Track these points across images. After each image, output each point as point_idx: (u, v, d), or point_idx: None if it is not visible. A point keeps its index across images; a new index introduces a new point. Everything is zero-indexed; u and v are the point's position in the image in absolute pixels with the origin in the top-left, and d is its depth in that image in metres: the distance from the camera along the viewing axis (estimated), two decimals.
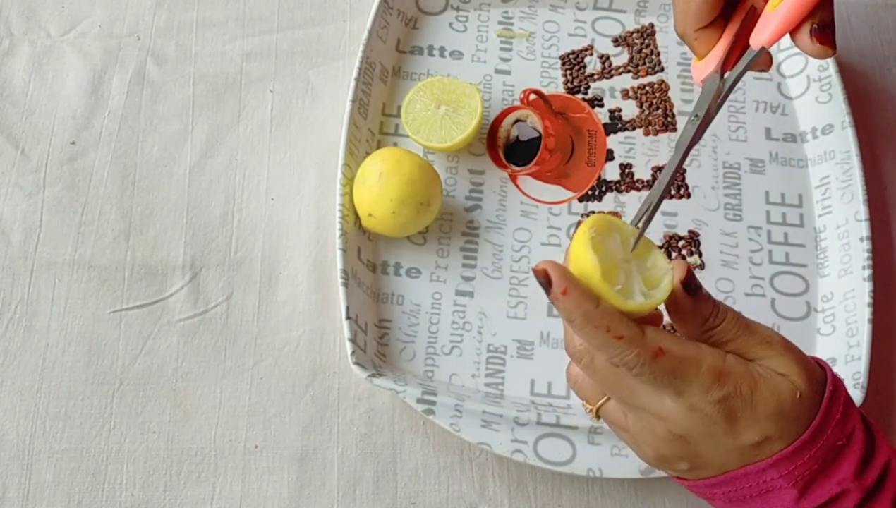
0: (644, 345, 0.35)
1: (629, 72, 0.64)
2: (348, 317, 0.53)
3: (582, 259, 0.36)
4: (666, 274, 0.37)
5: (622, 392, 0.37)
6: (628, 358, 0.35)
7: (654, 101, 0.63)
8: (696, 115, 0.43)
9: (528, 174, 0.61)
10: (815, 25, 0.39)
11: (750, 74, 0.64)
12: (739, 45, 0.44)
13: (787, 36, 0.42)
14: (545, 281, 0.35)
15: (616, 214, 0.60)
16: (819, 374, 0.37)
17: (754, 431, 0.36)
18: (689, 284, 0.36)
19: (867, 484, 0.36)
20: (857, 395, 0.53)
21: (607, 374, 0.37)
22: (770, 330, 0.38)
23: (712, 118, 0.44)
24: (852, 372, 0.54)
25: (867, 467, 0.36)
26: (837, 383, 0.38)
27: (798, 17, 0.40)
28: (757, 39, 0.42)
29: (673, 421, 0.36)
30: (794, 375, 0.36)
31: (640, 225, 0.39)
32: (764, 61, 0.44)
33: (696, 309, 0.37)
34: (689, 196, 0.61)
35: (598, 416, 0.40)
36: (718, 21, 0.45)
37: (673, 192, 0.61)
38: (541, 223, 0.60)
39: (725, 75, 0.44)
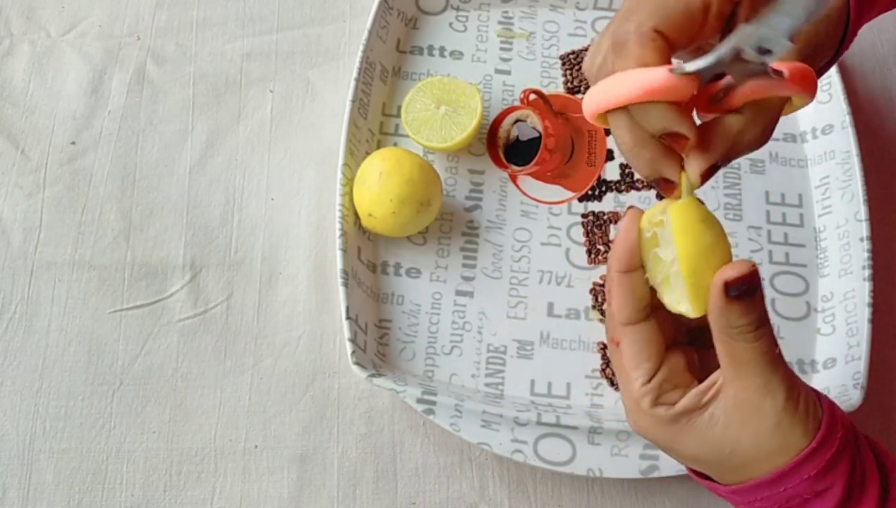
0: (614, 328, 0.39)
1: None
2: (348, 317, 0.53)
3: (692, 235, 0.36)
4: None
5: (620, 379, 0.40)
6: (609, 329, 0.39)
7: None
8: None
9: (528, 174, 0.61)
10: (718, 163, 0.37)
11: None
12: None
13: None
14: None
15: (616, 214, 0.60)
16: (798, 434, 0.36)
17: (690, 450, 0.38)
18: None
19: None
20: (856, 395, 0.53)
21: (615, 363, 0.39)
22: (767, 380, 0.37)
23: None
24: (852, 372, 0.54)
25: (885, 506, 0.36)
26: (830, 434, 0.36)
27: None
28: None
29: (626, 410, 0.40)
30: (760, 437, 0.37)
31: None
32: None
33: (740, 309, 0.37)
34: None
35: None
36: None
37: None
38: (541, 223, 0.60)
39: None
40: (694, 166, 0.37)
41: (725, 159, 0.37)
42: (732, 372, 0.36)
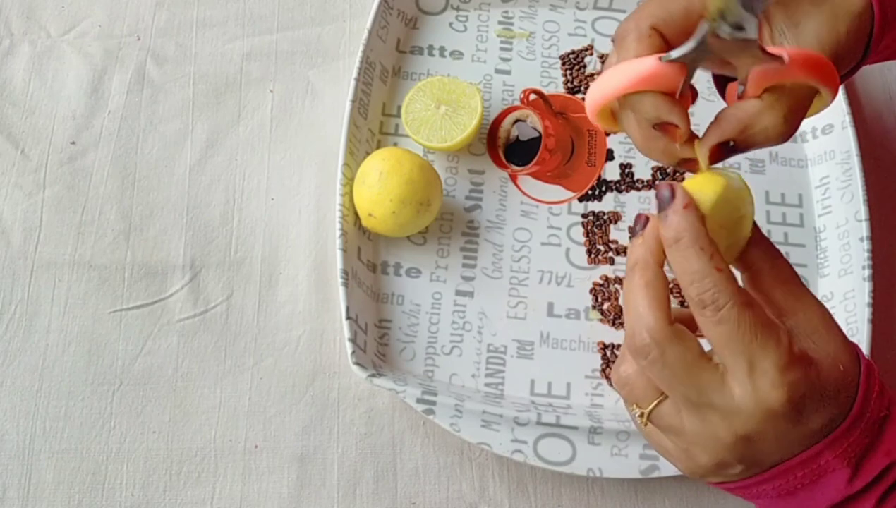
0: (739, 288, 0.33)
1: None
2: (348, 317, 0.53)
3: (702, 199, 0.35)
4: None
5: (690, 387, 0.35)
6: (723, 293, 0.33)
7: None
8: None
9: (528, 174, 0.61)
10: (732, 141, 0.37)
11: None
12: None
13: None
14: (669, 194, 0.35)
15: (616, 214, 0.60)
16: (853, 349, 0.37)
17: (820, 415, 0.34)
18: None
19: None
20: None
21: (676, 366, 0.34)
22: (817, 300, 0.37)
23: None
24: None
25: None
26: (867, 361, 0.37)
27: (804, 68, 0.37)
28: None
29: (740, 416, 0.34)
30: (840, 353, 0.35)
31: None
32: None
33: (757, 234, 0.36)
34: None
35: (647, 422, 0.38)
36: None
37: None
38: (541, 223, 0.60)
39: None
40: (702, 144, 0.37)
41: (742, 143, 0.37)
42: (793, 302, 0.36)
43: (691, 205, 0.34)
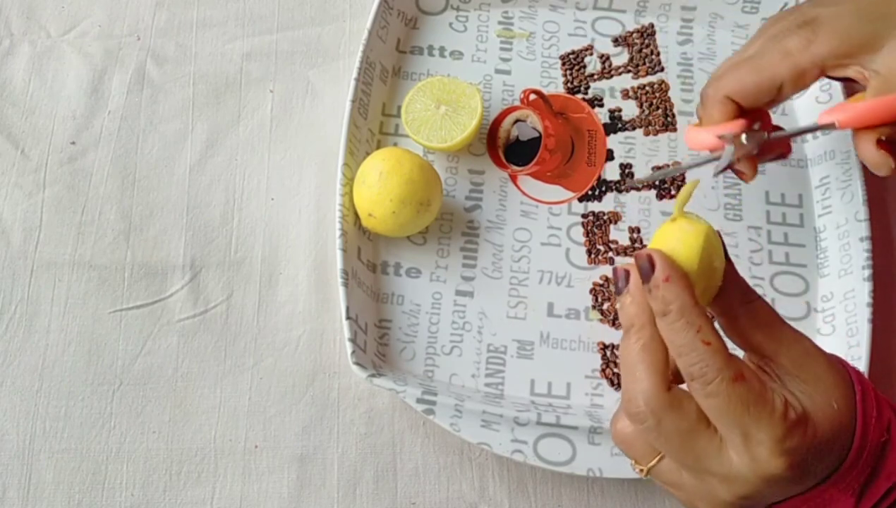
0: (728, 360, 0.33)
1: (629, 72, 0.64)
2: (348, 317, 0.53)
3: (688, 254, 0.35)
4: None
5: (687, 454, 0.35)
6: (710, 367, 0.33)
7: (654, 101, 0.63)
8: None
9: (528, 174, 0.61)
10: (882, 138, 0.39)
11: None
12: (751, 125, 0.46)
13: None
14: (648, 266, 0.34)
15: (616, 214, 0.60)
16: (845, 377, 0.36)
17: (822, 466, 0.34)
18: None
19: None
20: None
21: (673, 435, 0.34)
22: (798, 333, 0.37)
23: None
24: None
25: None
26: (862, 379, 0.37)
27: (875, 117, 0.39)
28: (827, 118, 0.42)
29: (740, 482, 0.34)
30: (832, 390, 0.35)
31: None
32: (784, 147, 0.47)
33: (735, 273, 0.36)
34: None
35: (647, 474, 0.38)
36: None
37: (674, 192, 0.61)
38: (541, 223, 0.60)
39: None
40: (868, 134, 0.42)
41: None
42: (775, 344, 0.36)
43: (672, 276, 0.34)
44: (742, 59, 0.47)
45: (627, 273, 0.36)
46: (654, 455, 0.37)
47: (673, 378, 0.36)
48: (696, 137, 0.48)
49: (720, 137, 0.46)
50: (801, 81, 0.45)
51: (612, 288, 0.58)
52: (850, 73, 0.44)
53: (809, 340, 0.37)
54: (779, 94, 0.46)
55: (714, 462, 0.34)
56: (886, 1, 0.42)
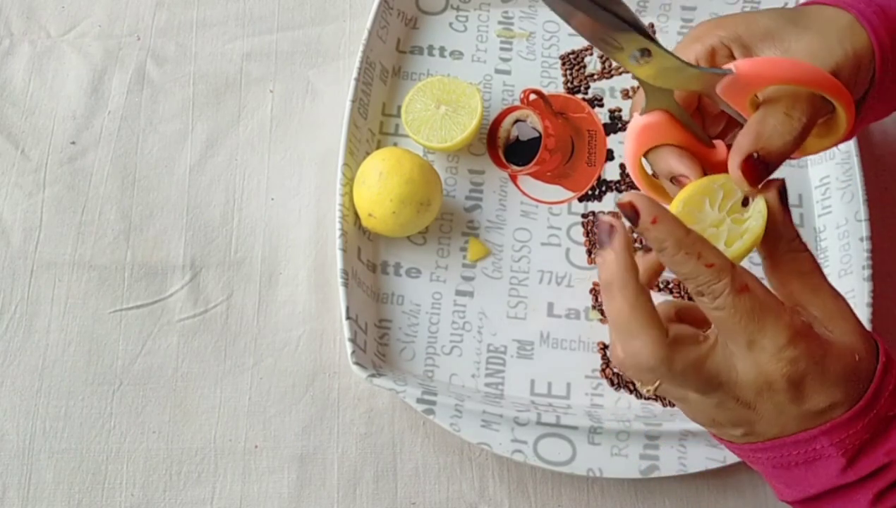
0: (733, 276, 0.34)
1: (629, 72, 0.64)
2: (348, 317, 0.53)
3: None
4: (756, 206, 0.37)
5: (700, 380, 0.36)
6: (716, 285, 0.34)
7: None
8: None
9: (528, 174, 0.61)
10: (756, 153, 0.38)
11: None
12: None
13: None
14: (633, 213, 0.35)
15: (616, 215, 0.60)
16: (873, 343, 0.37)
17: (822, 397, 0.35)
18: (783, 191, 0.37)
19: None
20: None
21: (689, 371, 0.36)
22: (836, 293, 0.38)
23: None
24: None
25: None
26: (890, 355, 0.37)
27: (776, 71, 0.38)
28: (730, 64, 0.40)
29: (742, 386, 0.35)
30: (857, 344, 0.36)
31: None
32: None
33: (787, 221, 0.37)
34: None
35: (655, 392, 0.38)
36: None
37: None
38: (541, 223, 0.60)
39: None
40: (731, 164, 0.39)
41: (764, 153, 0.38)
42: (809, 294, 0.37)
43: (659, 216, 0.34)
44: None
45: (612, 228, 0.36)
46: (655, 381, 0.38)
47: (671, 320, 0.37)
48: (630, 133, 0.42)
49: (640, 113, 0.41)
50: (712, 62, 0.43)
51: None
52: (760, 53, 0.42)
53: (846, 302, 0.38)
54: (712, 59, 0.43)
55: (723, 375, 0.35)
56: (804, 11, 0.42)
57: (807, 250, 0.38)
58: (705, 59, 0.41)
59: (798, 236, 0.38)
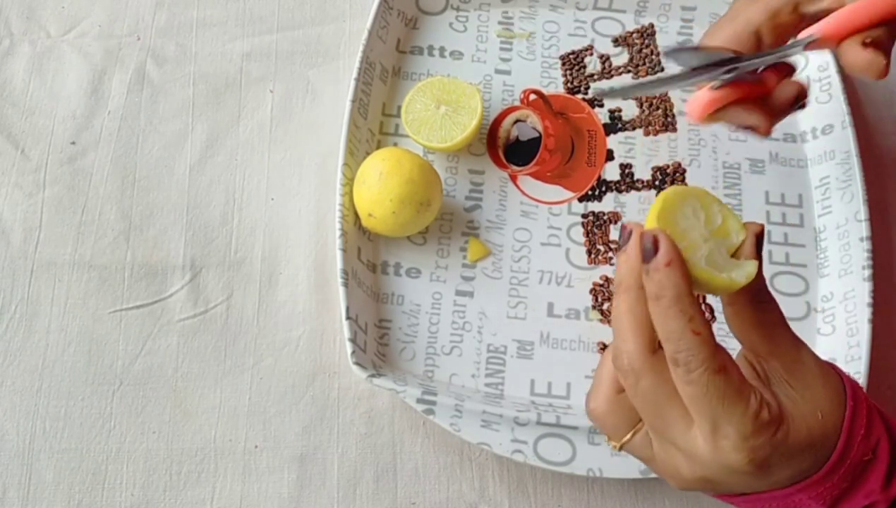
0: (714, 352, 0.33)
1: (629, 72, 0.64)
2: (348, 317, 0.53)
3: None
4: (746, 255, 0.36)
5: (658, 420, 0.35)
6: (696, 357, 0.33)
7: (654, 101, 0.63)
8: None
9: (528, 174, 0.61)
10: (868, 39, 0.38)
11: None
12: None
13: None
14: (652, 247, 0.34)
15: (616, 214, 0.60)
16: (840, 389, 0.36)
17: (788, 471, 0.35)
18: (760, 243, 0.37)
19: (893, 494, 0.35)
20: None
21: (648, 397, 0.35)
22: (798, 341, 0.37)
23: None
24: (852, 372, 0.54)
25: (893, 477, 0.36)
26: (857, 394, 0.37)
27: (861, 16, 0.39)
28: (807, 32, 0.41)
29: (701, 464, 0.35)
30: (820, 399, 0.35)
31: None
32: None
33: (757, 278, 0.36)
34: None
35: (621, 449, 0.39)
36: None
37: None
38: (541, 223, 0.60)
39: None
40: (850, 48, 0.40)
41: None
42: (771, 346, 0.36)
43: (674, 261, 0.33)
44: (720, 18, 0.47)
45: (630, 232, 0.36)
46: (626, 432, 0.38)
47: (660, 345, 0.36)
48: (692, 104, 0.45)
49: (712, 87, 0.44)
50: (777, 22, 0.44)
51: (612, 287, 0.58)
52: (825, 3, 0.43)
53: (809, 350, 0.37)
54: (759, 42, 0.45)
55: (680, 437, 0.35)
56: None
57: (773, 300, 0.37)
58: (767, 22, 0.44)
59: (765, 286, 0.37)
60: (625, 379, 0.36)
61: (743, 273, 0.35)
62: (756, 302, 0.37)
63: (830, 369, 0.37)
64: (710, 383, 0.33)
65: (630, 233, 0.35)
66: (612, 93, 0.42)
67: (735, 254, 0.36)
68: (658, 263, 0.33)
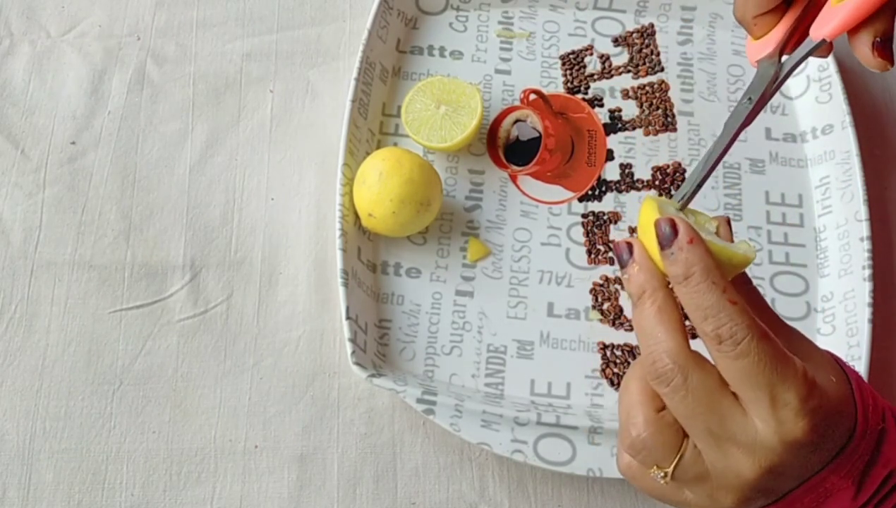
0: (755, 319, 0.33)
1: (629, 72, 0.64)
2: (348, 317, 0.53)
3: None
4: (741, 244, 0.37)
5: (713, 416, 0.34)
6: (739, 327, 0.32)
7: (654, 101, 0.63)
8: (750, 98, 0.41)
9: (528, 174, 0.61)
10: (877, 39, 0.38)
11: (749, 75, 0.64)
12: (799, 31, 0.43)
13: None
14: (671, 231, 0.34)
15: (616, 214, 0.60)
16: (835, 363, 0.37)
17: (836, 438, 0.34)
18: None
19: None
20: None
21: (700, 393, 0.34)
22: (784, 322, 0.38)
23: (767, 101, 0.42)
24: None
25: None
26: (849, 368, 0.37)
27: (860, 16, 0.39)
28: (818, 32, 0.41)
29: (765, 450, 0.33)
30: (826, 366, 0.35)
31: (685, 199, 0.39)
32: (825, 49, 0.42)
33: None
34: None
35: (672, 478, 0.36)
36: (779, 7, 0.43)
37: (673, 192, 0.61)
38: (541, 223, 0.60)
39: (783, 59, 0.43)
40: (862, 50, 0.38)
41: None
42: (769, 327, 0.36)
43: (695, 238, 0.34)
44: None
45: (630, 245, 0.36)
46: (675, 452, 0.36)
47: None
48: (752, 52, 0.45)
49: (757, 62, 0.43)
50: None
51: (612, 287, 0.58)
52: None
53: (797, 329, 0.38)
54: None
55: (739, 428, 0.33)
56: None
57: (753, 284, 0.38)
58: None
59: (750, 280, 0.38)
60: (670, 381, 0.34)
61: (747, 249, 0.36)
62: (745, 285, 0.37)
63: (824, 350, 0.38)
64: (759, 350, 0.32)
65: (628, 246, 0.36)
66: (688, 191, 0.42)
67: None
68: (681, 242, 0.34)
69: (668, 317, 0.35)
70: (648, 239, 0.36)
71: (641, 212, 0.37)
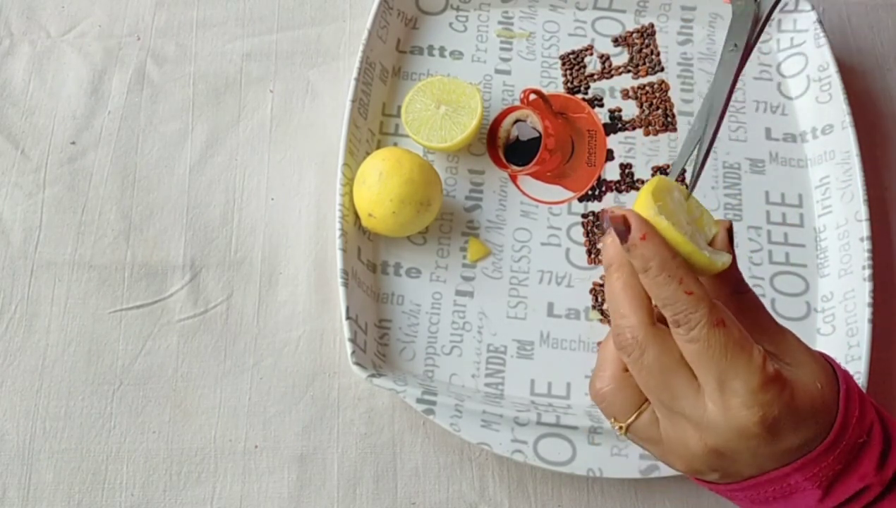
0: (710, 308, 0.34)
1: (629, 72, 0.64)
2: (348, 317, 0.53)
3: (649, 219, 0.36)
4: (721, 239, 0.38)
5: (665, 391, 0.36)
6: (693, 315, 0.34)
7: (654, 101, 0.63)
8: (735, 45, 0.41)
9: (528, 174, 0.61)
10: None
11: (749, 74, 0.64)
12: None
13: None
14: (624, 228, 0.35)
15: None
16: (830, 370, 0.37)
17: (795, 437, 0.35)
18: (731, 236, 0.38)
19: (887, 477, 0.36)
20: None
21: (654, 368, 0.35)
22: (782, 328, 0.38)
23: (752, 47, 0.41)
24: (852, 371, 0.54)
25: (886, 460, 0.36)
26: (849, 379, 0.37)
27: None
28: None
29: (712, 431, 0.35)
30: (816, 371, 0.36)
31: (691, 167, 0.40)
32: None
33: (734, 269, 0.38)
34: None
35: (626, 432, 0.39)
36: None
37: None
38: (541, 223, 0.60)
39: None
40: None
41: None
42: (758, 334, 0.37)
43: (648, 233, 0.35)
44: None
45: (612, 216, 0.37)
46: (632, 412, 0.38)
47: (661, 320, 0.37)
48: None
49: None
50: None
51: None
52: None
53: (793, 334, 0.38)
54: None
55: (688, 405, 0.35)
56: None
57: (751, 290, 0.39)
58: None
59: (743, 278, 0.39)
60: (629, 354, 0.36)
61: (720, 259, 0.37)
62: (737, 293, 0.38)
63: (819, 355, 0.38)
64: (709, 336, 0.34)
65: (612, 216, 0.37)
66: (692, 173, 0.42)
67: (710, 245, 0.38)
68: (634, 239, 0.35)
69: (632, 293, 0.36)
70: (658, 197, 0.37)
71: (642, 191, 0.38)
